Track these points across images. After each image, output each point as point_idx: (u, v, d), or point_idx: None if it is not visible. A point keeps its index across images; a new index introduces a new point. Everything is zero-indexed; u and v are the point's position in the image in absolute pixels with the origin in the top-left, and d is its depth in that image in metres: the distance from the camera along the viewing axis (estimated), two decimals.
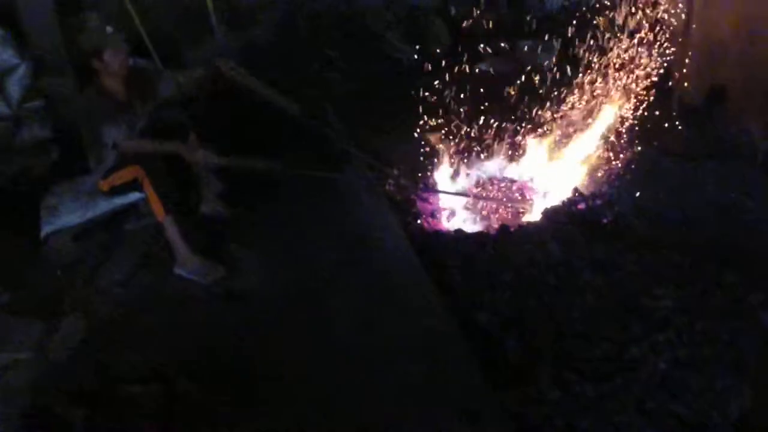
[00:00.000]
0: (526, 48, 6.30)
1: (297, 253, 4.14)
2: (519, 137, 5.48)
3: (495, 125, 5.52)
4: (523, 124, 5.48)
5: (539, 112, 5.47)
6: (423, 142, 5.46)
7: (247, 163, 4.32)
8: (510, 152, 5.48)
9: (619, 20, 5.62)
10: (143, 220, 4.25)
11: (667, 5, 5.63)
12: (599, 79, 5.48)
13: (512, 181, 5.37)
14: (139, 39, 5.76)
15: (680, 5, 5.50)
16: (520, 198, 5.19)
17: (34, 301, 3.96)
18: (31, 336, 3.69)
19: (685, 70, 5.63)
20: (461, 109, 5.60)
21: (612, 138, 5.34)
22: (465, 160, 5.47)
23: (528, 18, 6.47)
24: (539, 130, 5.44)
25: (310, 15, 6.60)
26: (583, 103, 5.47)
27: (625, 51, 5.52)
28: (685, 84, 5.65)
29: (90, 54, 3.86)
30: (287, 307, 3.71)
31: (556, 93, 5.51)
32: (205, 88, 4.39)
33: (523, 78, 5.66)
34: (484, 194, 5.25)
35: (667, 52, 5.68)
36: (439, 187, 5.23)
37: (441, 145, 5.46)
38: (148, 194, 3.89)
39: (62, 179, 4.59)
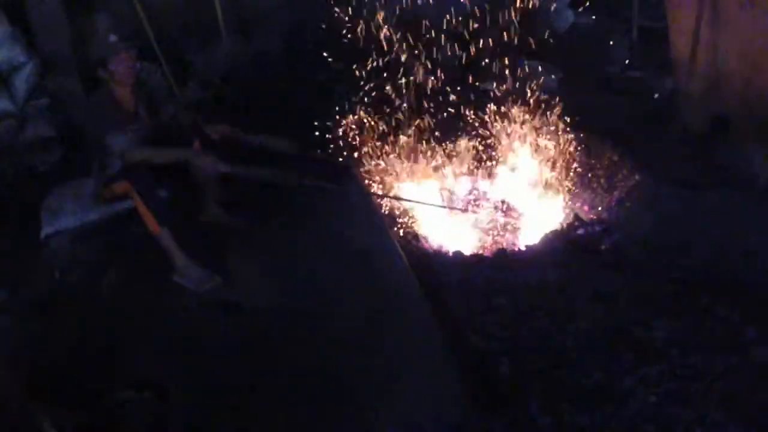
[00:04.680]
0: (528, 68, 6.30)
1: (294, 266, 4.15)
2: (516, 158, 5.51)
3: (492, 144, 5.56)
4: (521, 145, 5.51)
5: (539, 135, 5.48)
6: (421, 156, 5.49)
7: (256, 172, 4.32)
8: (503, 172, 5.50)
9: None
10: (144, 226, 4.25)
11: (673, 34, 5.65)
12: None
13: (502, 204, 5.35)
14: (147, 42, 5.81)
15: (686, 34, 5.51)
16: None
17: (31, 302, 3.98)
18: (25, 337, 3.71)
19: (689, 99, 5.64)
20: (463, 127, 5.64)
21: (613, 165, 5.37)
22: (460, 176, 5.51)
23: (535, 37, 6.48)
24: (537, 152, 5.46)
25: (317, 26, 6.63)
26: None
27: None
28: (689, 112, 5.66)
29: (96, 63, 3.88)
30: (282, 320, 3.72)
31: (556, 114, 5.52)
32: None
33: (527, 98, 5.67)
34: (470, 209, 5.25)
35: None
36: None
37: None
38: (139, 210, 3.91)
39: (64, 181, 4.60)
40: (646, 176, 5.11)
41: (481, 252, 4.76)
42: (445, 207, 5.04)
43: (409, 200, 5.12)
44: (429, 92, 5.67)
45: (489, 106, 5.65)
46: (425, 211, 5.10)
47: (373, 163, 5.43)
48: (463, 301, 3.94)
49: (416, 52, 5.81)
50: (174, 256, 3.98)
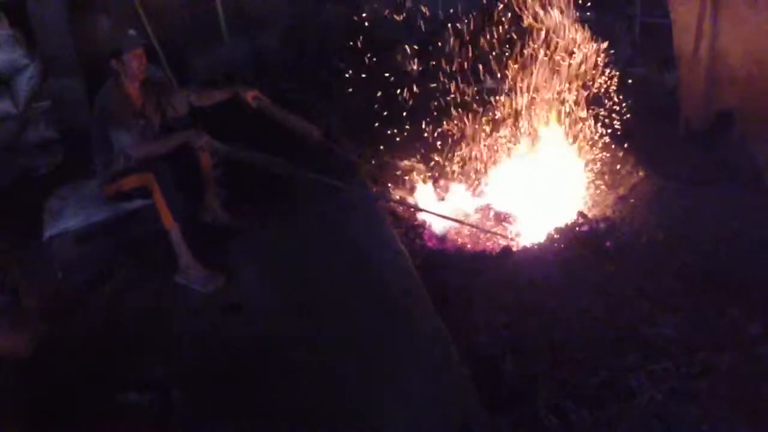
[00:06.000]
0: None
1: (296, 266, 4.15)
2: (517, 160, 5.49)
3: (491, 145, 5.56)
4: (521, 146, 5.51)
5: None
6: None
7: (250, 155, 4.29)
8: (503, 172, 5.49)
9: None
10: (146, 227, 4.25)
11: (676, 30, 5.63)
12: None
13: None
14: (149, 43, 5.80)
15: (689, 30, 5.49)
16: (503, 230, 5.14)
17: (34, 304, 3.98)
18: (29, 339, 3.70)
19: (692, 95, 5.62)
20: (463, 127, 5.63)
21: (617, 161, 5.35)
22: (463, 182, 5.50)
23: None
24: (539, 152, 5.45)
25: (319, 24, 6.62)
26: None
27: None
28: (692, 108, 5.64)
29: (109, 54, 3.87)
30: (285, 320, 3.73)
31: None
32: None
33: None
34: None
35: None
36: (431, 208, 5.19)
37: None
38: (157, 202, 3.90)
39: (67, 182, 4.60)
40: (649, 172, 5.10)
41: (485, 250, 4.74)
42: (445, 218, 4.98)
43: (408, 204, 5.11)
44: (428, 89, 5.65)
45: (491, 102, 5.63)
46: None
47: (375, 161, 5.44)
48: (467, 300, 3.92)
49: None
50: (181, 254, 3.98)
